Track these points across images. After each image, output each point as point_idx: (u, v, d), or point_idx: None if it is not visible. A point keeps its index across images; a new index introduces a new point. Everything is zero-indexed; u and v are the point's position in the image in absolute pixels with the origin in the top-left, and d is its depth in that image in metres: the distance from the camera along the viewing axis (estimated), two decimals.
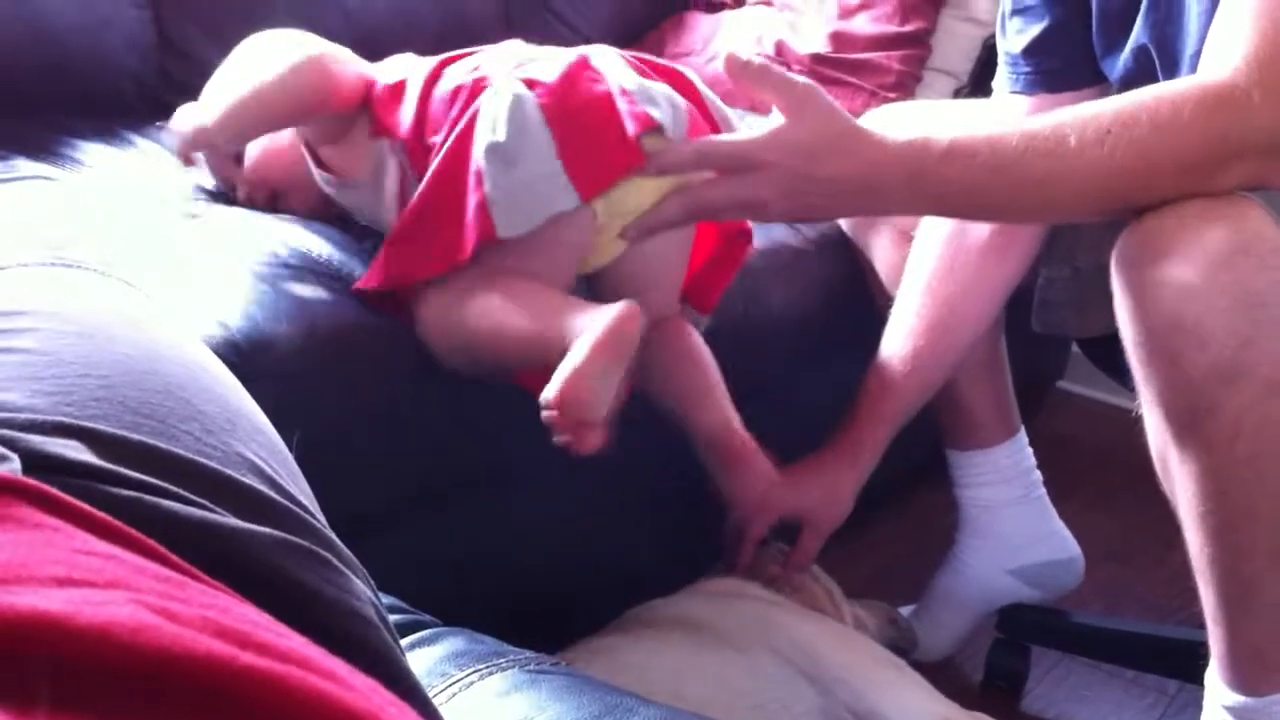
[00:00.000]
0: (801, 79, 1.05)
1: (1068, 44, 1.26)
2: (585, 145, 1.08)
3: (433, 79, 1.18)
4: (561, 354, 0.99)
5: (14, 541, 0.34)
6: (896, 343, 1.33)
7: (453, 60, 1.20)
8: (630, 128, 1.08)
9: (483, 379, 1.14)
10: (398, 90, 1.19)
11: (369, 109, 1.21)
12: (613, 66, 1.14)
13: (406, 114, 1.17)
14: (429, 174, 1.11)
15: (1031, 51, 1.29)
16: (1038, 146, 0.99)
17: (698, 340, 1.25)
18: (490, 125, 1.08)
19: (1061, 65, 1.28)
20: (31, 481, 0.37)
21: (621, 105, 1.09)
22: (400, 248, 1.11)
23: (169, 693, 0.30)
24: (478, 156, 1.08)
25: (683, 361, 1.22)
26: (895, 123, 1.44)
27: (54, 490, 0.37)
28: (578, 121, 1.09)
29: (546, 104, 1.08)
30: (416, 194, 1.12)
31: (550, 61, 1.14)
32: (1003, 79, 1.34)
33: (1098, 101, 1.02)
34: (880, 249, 1.46)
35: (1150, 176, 0.97)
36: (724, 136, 1.10)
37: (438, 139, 1.12)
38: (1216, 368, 0.93)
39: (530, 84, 1.10)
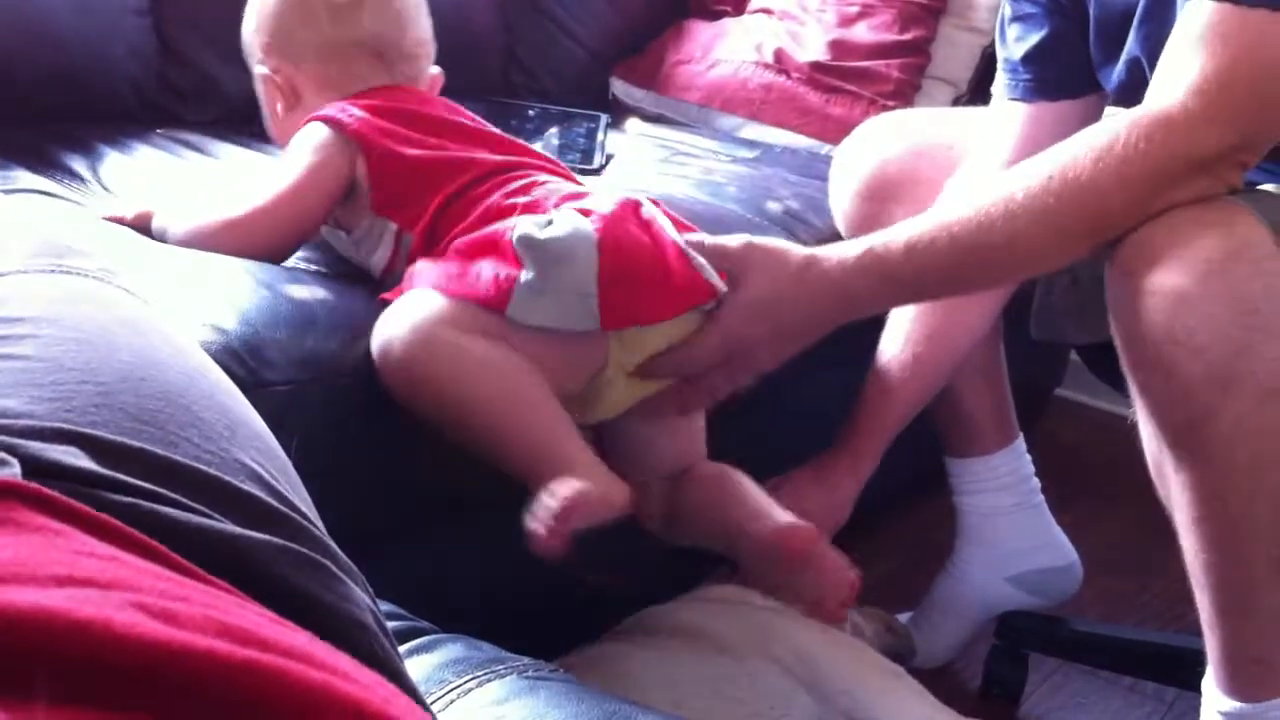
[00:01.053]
0: (737, 238, 1.08)
1: (1067, 52, 1.26)
2: (626, 282, 1.06)
3: (455, 190, 1.14)
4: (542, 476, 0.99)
5: (15, 543, 0.34)
6: (895, 349, 1.34)
7: (481, 181, 1.15)
8: (690, 296, 1.07)
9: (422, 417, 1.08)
10: (411, 173, 1.15)
11: (371, 181, 1.16)
12: (660, 217, 1.11)
13: (421, 212, 1.13)
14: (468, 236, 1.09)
15: (1030, 59, 1.29)
16: (991, 211, 1.01)
17: (721, 469, 1.21)
18: (541, 222, 1.07)
19: (1060, 73, 1.28)
20: (32, 485, 0.37)
21: (675, 263, 1.07)
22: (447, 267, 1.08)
23: (169, 686, 0.30)
24: (520, 237, 1.05)
25: (715, 494, 1.18)
26: (897, 129, 1.45)
27: (55, 493, 0.37)
28: (628, 258, 1.07)
29: (602, 232, 1.06)
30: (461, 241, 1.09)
31: (597, 197, 1.13)
32: (1001, 86, 1.34)
33: (1041, 154, 1.03)
34: None
35: (1104, 212, 0.99)
36: (697, 342, 1.09)
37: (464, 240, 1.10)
38: (1212, 375, 0.93)
39: (585, 212, 1.08)
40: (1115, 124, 0.99)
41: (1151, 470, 1.04)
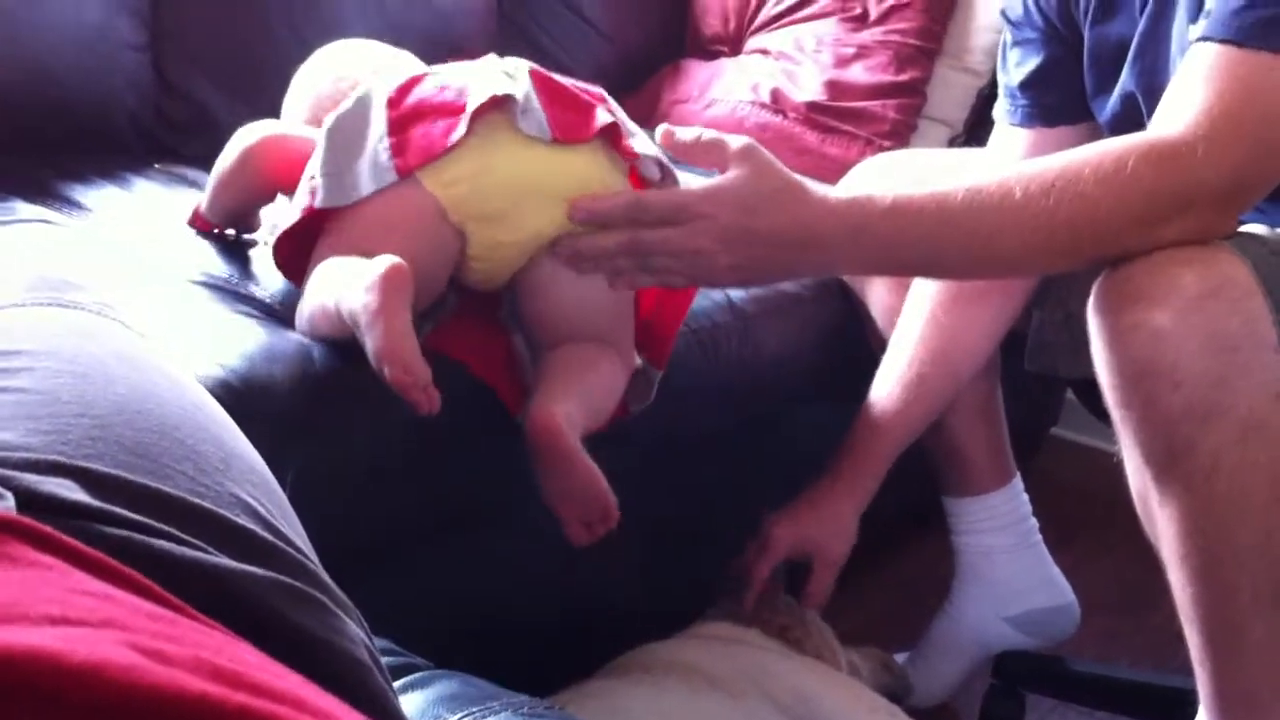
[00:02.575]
0: (741, 138, 1.05)
1: (1064, 79, 1.27)
2: (414, 121, 1.06)
3: None
4: (341, 321, 0.98)
5: (8, 580, 0.34)
6: (899, 370, 1.33)
7: None
8: (470, 104, 1.05)
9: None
10: None
11: None
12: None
13: None
14: None
15: (1028, 85, 1.30)
16: (983, 201, 1.00)
17: (600, 361, 1.14)
18: (335, 112, 1.10)
19: (1058, 100, 1.29)
20: (26, 520, 0.37)
21: (473, 101, 1.05)
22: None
23: None
24: (319, 136, 1.09)
25: (559, 365, 1.12)
26: (891, 170, 1.46)
27: (48, 528, 0.37)
28: (417, 105, 1.07)
29: (391, 96, 1.08)
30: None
31: None
32: (1002, 111, 1.35)
33: (1047, 156, 1.03)
34: (876, 294, 1.46)
35: (1095, 230, 0.99)
36: (661, 190, 1.08)
37: None
38: (1191, 408, 0.94)
39: None
40: (1122, 148, 0.99)
41: (1137, 506, 1.04)
